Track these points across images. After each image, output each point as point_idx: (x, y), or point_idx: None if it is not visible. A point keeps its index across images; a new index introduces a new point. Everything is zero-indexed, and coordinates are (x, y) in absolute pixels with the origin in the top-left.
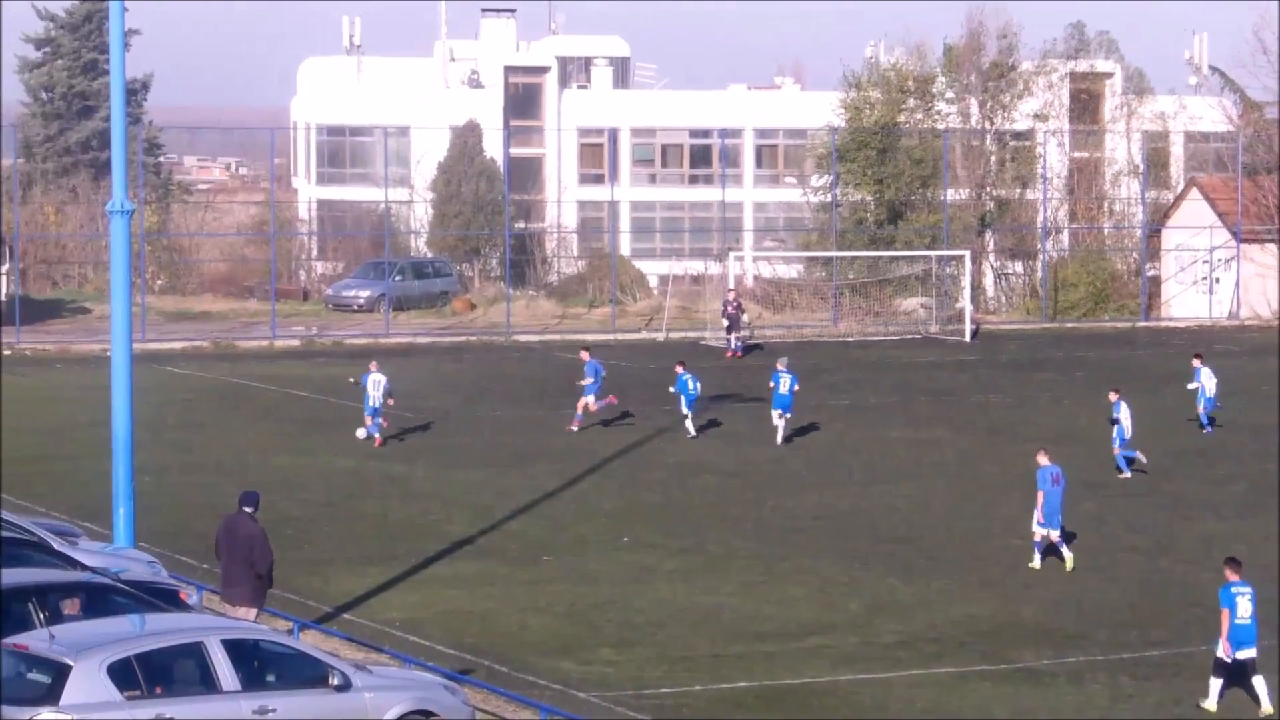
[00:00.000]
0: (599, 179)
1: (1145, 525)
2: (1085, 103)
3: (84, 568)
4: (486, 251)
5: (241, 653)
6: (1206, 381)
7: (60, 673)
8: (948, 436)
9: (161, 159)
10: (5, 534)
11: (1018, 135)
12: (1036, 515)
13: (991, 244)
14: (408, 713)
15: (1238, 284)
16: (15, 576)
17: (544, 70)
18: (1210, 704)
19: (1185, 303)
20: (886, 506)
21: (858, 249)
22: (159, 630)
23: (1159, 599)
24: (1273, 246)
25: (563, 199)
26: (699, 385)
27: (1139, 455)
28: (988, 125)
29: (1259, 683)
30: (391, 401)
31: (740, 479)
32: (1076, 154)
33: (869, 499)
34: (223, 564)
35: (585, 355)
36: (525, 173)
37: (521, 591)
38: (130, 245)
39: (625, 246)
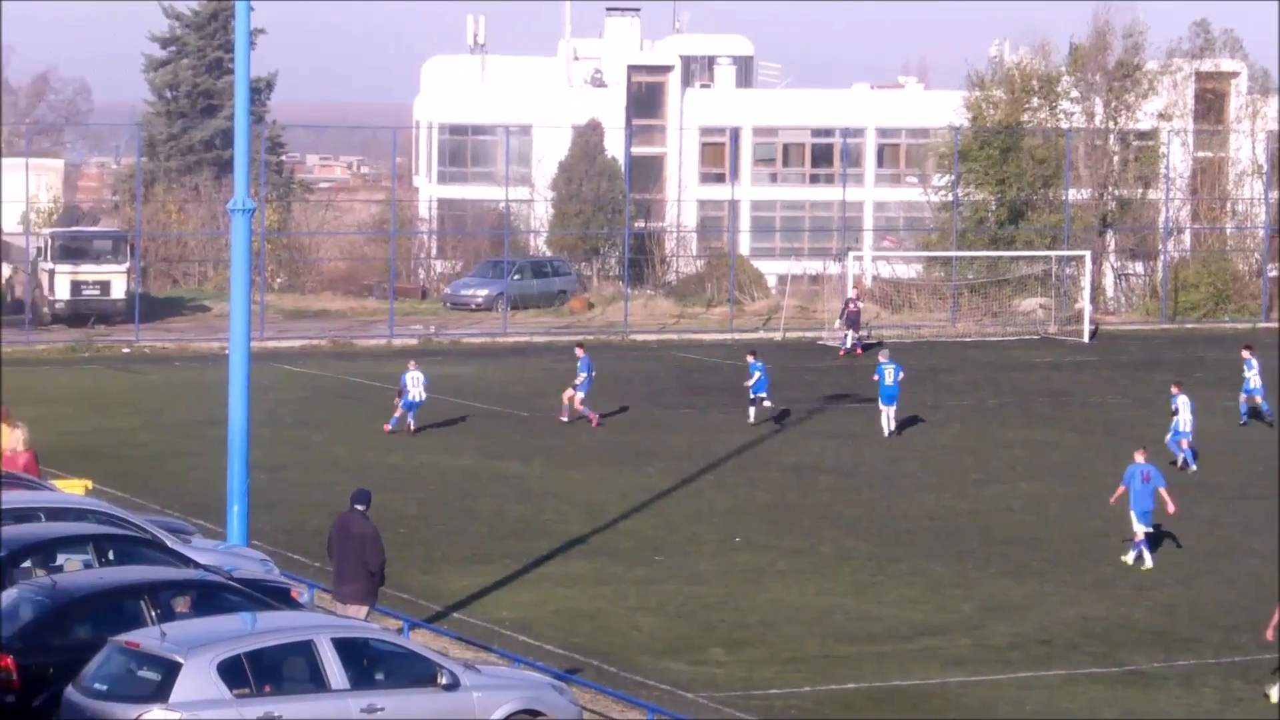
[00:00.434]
0: (720, 178)
1: (1262, 527)
2: (1210, 102)
3: (196, 565)
4: (605, 251)
5: (351, 651)
6: (1252, 375)
7: (170, 670)
8: (1064, 438)
9: (283, 158)
10: (119, 531)
11: (1141, 135)
12: (1132, 513)
13: (1112, 244)
14: (515, 712)
15: None
16: (128, 574)
17: (667, 69)
18: (1275, 693)
19: None
20: (1001, 507)
21: (978, 249)
22: (269, 628)
23: (1274, 602)
24: None
25: (683, 198)
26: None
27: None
28: (1111, 125)
29: None
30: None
31: (854, 479)
32: (1200, 154)
33: (984, 500)
34: (335, 562)
35: (579, 351)
36: (646, 172)
37: (633, 591)
38: (250, 243)
39: (744, 246)
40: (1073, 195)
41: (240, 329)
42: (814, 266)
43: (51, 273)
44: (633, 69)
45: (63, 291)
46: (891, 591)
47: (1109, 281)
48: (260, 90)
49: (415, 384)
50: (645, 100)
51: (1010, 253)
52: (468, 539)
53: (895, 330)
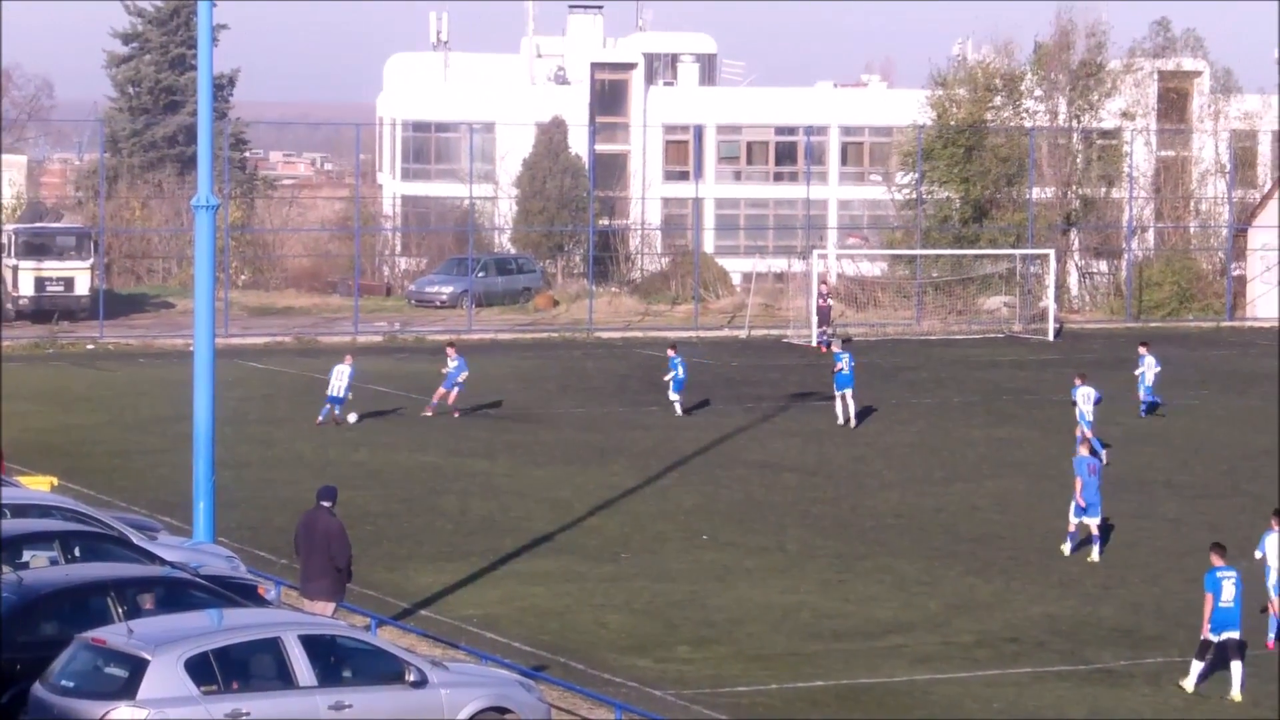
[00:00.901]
0: (684, 176)
1: (1226, 526)
2: (1173, 101)
3: (163, 562)
4: (570, 248)
5: (319, 648)
6: (1148, 370)
7: (138, 667)
8: (1029, 435)
9: (247, 154)
10: (86, 528)
11: (1104, 134)
12: (1074, 504)
13: (1076, 243)
14: (483, 709)
15: None
16: (94, 571)
17: (630, 67)
18: (1188, 684)
19: (1270, 302)
20: (967, 505)
21: (942, 247)
22: (236, 625)
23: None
24: None
25: (647, 196)
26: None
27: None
28: (1075, 123)
29: (1236, 668)
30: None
31: (820, 477)
32: (1163, 153)
33: (950, 498)
34: (301, 559)
35: (451, 351)
36: (610, 169)
37: (599, 588)
38: (214, 240)
39: (709, 244)
40: (1036, 194)
41: (204, 326)
42: (778, 264)
43: (15, 269)
44: (596, 66)
45: (27, 288)
46: (858, 589)
47: (1073, 280)
48: (223, 86)
49: (339, 377)
50: (609, 98)
51: (975, 251)
52: (434, 536)
53: (860, 328)
